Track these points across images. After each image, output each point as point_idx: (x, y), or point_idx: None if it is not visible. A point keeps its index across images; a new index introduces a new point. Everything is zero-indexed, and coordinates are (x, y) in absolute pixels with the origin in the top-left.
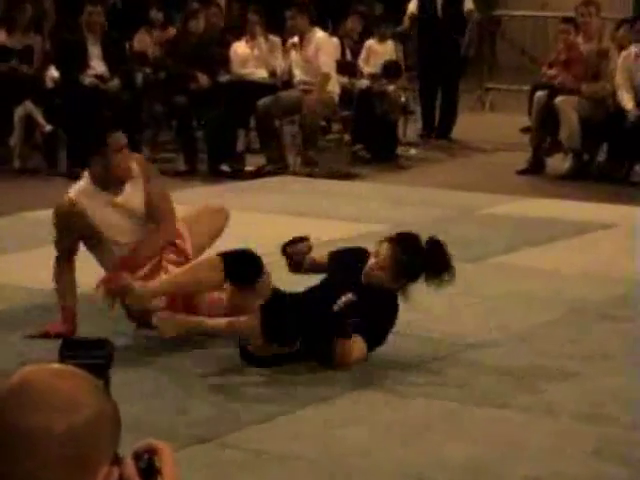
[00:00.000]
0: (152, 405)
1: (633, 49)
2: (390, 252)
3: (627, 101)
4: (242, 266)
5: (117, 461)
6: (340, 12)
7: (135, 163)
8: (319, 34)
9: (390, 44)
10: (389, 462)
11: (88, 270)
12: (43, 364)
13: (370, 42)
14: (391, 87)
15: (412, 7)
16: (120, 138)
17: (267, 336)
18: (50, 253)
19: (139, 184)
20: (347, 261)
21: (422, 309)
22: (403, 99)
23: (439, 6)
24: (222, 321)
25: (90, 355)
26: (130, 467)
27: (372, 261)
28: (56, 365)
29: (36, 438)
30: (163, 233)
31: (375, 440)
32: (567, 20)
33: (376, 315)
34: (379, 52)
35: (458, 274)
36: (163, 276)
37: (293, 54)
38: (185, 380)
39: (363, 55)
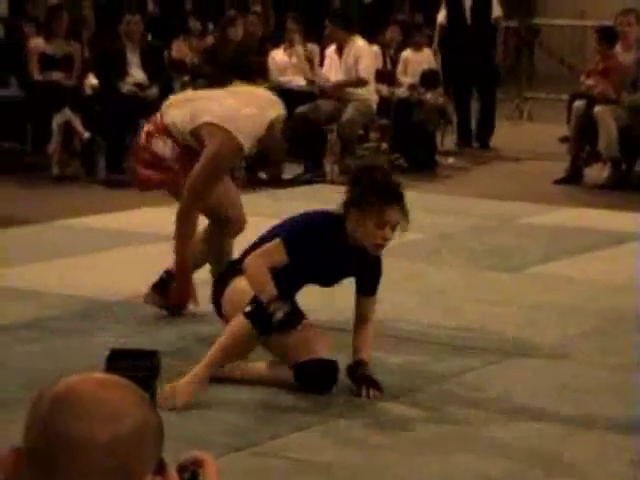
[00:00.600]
0: (188, 414)
1: None
2: (401, 214)
3: None
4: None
5: (161, 468)
6: (380, 22)
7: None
8: (359, 42)
9: (427, 52)
10: (426, 473)
11: (131, 276)
12: (88, 373)
13: (406, 52)
14: (429, 96)
15: (441, 18)
16: None
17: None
18: (88, 260)
19: None
20: (321, 246)
21: (460, 318)
22: (442, 105)
23: (467, 15)
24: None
25: (137, 366)
26: (174, 479)
27: (384, 232)
28: (101, 375)
29: (79, 447)
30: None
31: (412, 451)
32: (599, 30)
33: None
34: (415, 61)
35: (496, 284)
36: None
37: (328, 64)
38: (219, 389)
39: (400, 67)
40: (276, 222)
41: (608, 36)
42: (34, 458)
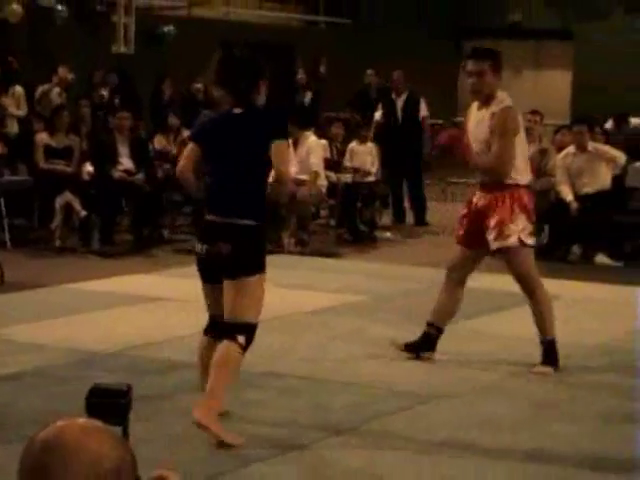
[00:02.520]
0: (166, 443)
1: (570, 150)
2: None
3: (567, 194)
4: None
5: None
6: (314, 118)
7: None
8: (311, 138)
9: (370, 145)
10: None
11: (122, 332)
12: (73, 419)
13: (352, 145)
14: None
15: (377, 116)
16: None
17: None
18: (85, 318)
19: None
20: None
21: (396, 366)
22: (380, 191)
23: (399, 114)
24: None
25: (113, 404)
26: None
27: None
28: (83, 421)
29: None
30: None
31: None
32: None
33: None
34: (360, 152)
35: None
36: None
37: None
38: (173, 427)
39: (347, 155)
40: None
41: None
42: None
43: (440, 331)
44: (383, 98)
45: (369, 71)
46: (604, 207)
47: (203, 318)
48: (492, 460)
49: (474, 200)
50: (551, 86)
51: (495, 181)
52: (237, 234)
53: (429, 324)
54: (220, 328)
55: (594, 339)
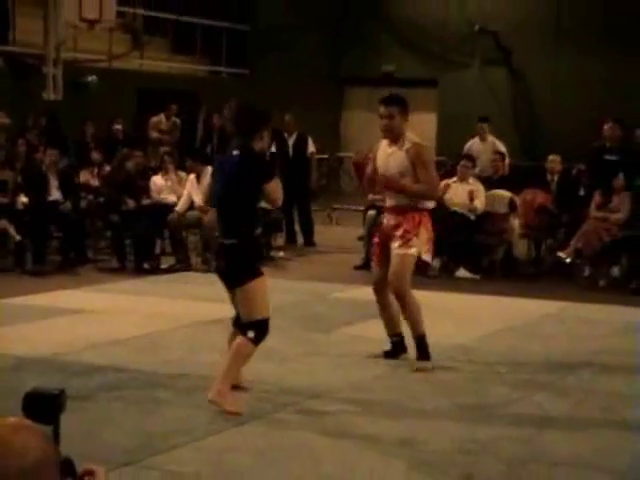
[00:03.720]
0: (86, 439)
1: (452, 180)
2: None
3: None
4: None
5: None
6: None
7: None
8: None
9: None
10: (264, 478)
11: (52, 339)
12: (4, 418)
13: None
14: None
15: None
16: None
17: None
18: (20, 329)
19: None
20: None
21: (287, 367)
22: (275, 218)
23: (290, 151)
24: None
25: (47, 406)
26: None
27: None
28: (13, 420)
29: None
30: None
31: (253, 461)
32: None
33: None
34: None
35: (313, 341)
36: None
37: (189, 187)
38: (96, 422)
39: None
40: (157, 300)
41: None
42: None
43: (400, 335)
44: (276, 137)
45: None
46: (465, 228)
47: (122, 327)
48: (365, 444)
49: (384, 222)
50: (419, 126)
51: (407, 204)
52: (227, 251)
53: (390, 336)
54: (238, 324)
55: (455, 341)
